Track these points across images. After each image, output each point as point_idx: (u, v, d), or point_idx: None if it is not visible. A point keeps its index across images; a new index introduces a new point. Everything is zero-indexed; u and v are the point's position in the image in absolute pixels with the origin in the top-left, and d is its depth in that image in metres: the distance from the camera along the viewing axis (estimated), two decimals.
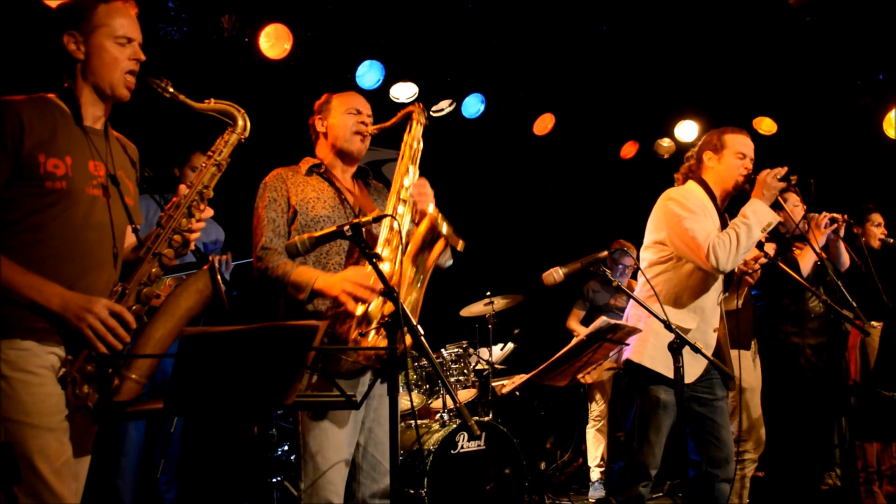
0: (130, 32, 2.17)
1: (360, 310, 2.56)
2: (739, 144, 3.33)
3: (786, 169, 3.22)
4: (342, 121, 2.89)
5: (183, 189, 2.22)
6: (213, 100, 2.29)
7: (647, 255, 3.33)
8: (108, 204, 2.13)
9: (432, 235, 2.67)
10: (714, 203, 3.32)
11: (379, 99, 5.67)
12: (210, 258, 2.22)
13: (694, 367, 3.18)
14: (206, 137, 2.38)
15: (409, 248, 2.69)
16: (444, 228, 2.66)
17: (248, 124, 2.32)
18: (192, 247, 2.27)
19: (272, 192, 2.80)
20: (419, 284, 2.72)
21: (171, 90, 2.21)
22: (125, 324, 2.02)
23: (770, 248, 3.92)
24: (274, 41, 5.01)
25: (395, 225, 2.68)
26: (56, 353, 2.00)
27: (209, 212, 2.26)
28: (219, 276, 2.18)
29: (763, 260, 3.21)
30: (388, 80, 5.67)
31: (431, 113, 6.19)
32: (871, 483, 4.63)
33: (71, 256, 2.04)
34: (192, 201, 2.21)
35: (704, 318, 3.21)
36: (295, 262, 2.68)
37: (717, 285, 3.31)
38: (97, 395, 2.01)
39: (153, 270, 2.14)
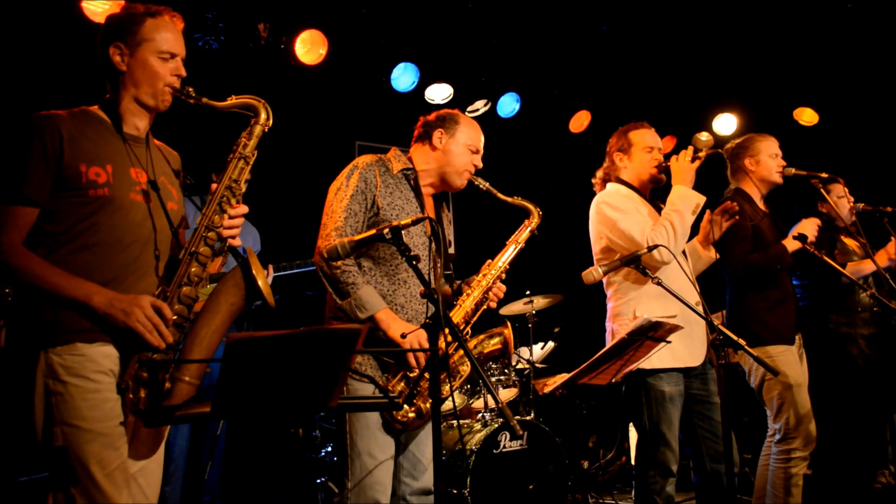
0: (174, 48, 2.22)
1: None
2: (646, 139, 3.47)
3: (691, 149, 3.33)
4: (462, 154, 2.93)
5: (213, 187, 2.25)
6: (234, 97, 2.30)
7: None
8: (149, 209, 2.18)
9: (499, 345, 3.02)
10: (641, 196, 3.43)
11: (414, 101, 5.69)
12: (247, 249, 2.21)
13: (695, 349, 3.21)
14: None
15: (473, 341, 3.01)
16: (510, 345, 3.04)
17: (271, 114, 2.31)
18: (237, 242, 2.26)
19: (362, 183, 2.74)
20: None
21: (194, 95, 2.23)
22: (164, 319, 2.06)
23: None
24: (309, 47, 5.06)
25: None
26: (109, 354, 2.04)
27: (243, 208, 2.25)
28: (254, 269, 2.16)
29: None
30: (423, 82, 5.69)
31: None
32: None
33: (115, 262, 2.09)
34: (221, 197, 2.22)
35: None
36: (365, 278, 2.69)
37: (677, 264, 3.26)
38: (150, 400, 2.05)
39: (192, 271, 2.16)
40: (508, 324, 3.03)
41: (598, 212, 3.39)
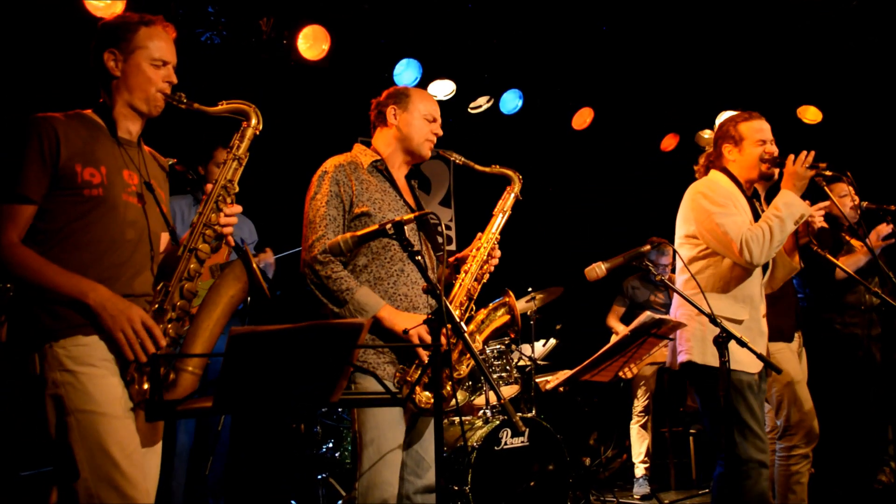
0: (166, 56, 2.29)
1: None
2: (758, 132, 3.29)
3: (812, 154, 3.15)
4: (420, 125, 2.90)
5: (209, 187, 2.31)
6: (224, 102, 2.36)
7: (684, 251, 3.26)
8: (143, 209, 2.25)
9: (507, 316, 2.94)
10: (741, 190, 3.27)
11: None
12: (244, 246, 2.28)
13: (756, 359, 3.11)
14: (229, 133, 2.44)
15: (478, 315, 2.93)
16: (517, 312, 2.94)
17: (261, 118, 2.37)
18: (231, 241, 2.34)
19: (335, 186, 2.72)
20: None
21: (186, 101, 2.29)
22: (153, 338, 2.08)
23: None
24: (312, 42, 5.05)
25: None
26: (109, 344, 2.07)
27: (237, 207, 2.32)
28: (254, 262, 2.23)
29: None
30: (426, 78, 5.68)
31: (469, 110, 6.19)
32: None
33: (109, 260, 2.14)
34: (217, 196, 2.29)
35: (754, 306, 3.16)
36: (359, 281, 2.67)
37: (759, 270, 3.24)
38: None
39: (192, 266, 2.22)
40: (510, 291, 2.99)
41: (694, 199, 3.24)
